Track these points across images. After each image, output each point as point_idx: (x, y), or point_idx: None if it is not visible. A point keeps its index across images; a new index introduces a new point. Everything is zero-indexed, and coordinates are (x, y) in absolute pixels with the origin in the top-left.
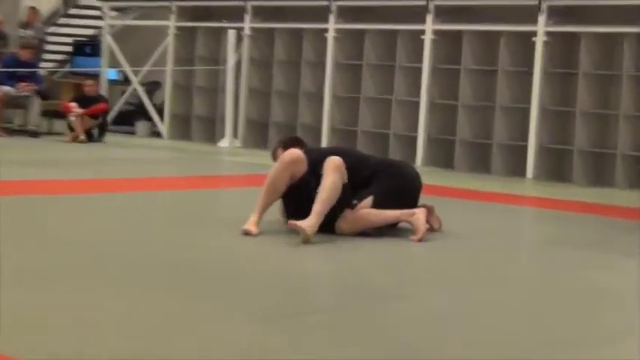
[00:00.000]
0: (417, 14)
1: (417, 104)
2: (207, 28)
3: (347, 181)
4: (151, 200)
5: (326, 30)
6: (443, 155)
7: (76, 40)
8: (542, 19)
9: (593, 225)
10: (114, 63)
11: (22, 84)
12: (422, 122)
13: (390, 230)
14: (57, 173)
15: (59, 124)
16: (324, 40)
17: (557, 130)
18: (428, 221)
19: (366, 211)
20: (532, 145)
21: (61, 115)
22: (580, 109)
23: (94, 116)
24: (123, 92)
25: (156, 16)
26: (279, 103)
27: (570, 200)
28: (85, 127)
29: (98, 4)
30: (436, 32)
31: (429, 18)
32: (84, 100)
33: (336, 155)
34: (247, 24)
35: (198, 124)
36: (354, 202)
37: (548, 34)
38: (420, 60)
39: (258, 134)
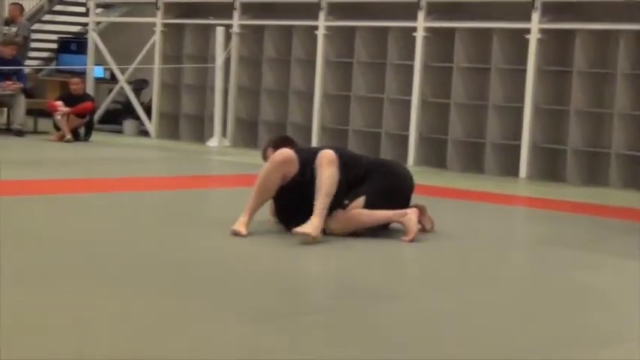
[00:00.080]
0: (408, 11)
1: (408, 103)
2: (195, 25)
3: (341, 176)
4: (140, 200)
5: (316, 27)
6: (435, 154)
7: (61, 38)
8: (535, 16)
9: (586, 225)
10: (100, 61)
11: (7, 82)
12: (414, 121)
13: (382, 231)
14: (44, 173)
15: (44, 123)
16: (314, 38)
17: (551, 129)
18: (420, 222)
19: (358, 211)
20: (525, 145)
21: (47, 113)
22: (574, 108)
23: (80, 115)
24: (110, 90)
25: (142, 13)
26: (269, 102)
27: (564, 200)
28: (72, 126)
29: (83, 0)
30: (428, 29)
31: (421, 15)
32: (70, 99)
33: None
34: (236, 21)
35: (187, 123)
36: (346, 202)
37: (542, 31)
38: (411, 58)
39: (247, 133)
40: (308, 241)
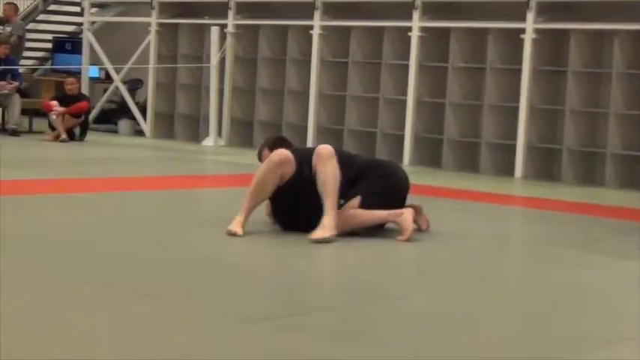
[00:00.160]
0: (403, 11)
1: (404, 102)
2: (190, 25)
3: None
4: (135, 200)
5: (311, 27)
6: (430, 154)
7: (55, 37)
8: (530, 15)
9: (582, 224)
10: (95, 60)
11: (2, 82)
12: (409, 121)
13: (378, 230)
14: (39, 173)
15: (39, 123)
16: (310, 37)
17: (546, 128)
18: (415, 221)
19: (354, 211)
20: (521, 144)
21: (42, 113)
22: (569, 108)
23: (75, 115)
24: (104, 90)
25: (137, 13)
26: (264, 102)
27: (559, 200)
28: (67, 126)
29: (78, 0)
30: (423, 29)
31: (416, 15)
32: (65, 99)
33: None
34: (231, 20)
35: (182, 123)
36: (342, 202)
37: (537, 31)
38: (406, 57)
39: (242, 133)
40: (325, 242)
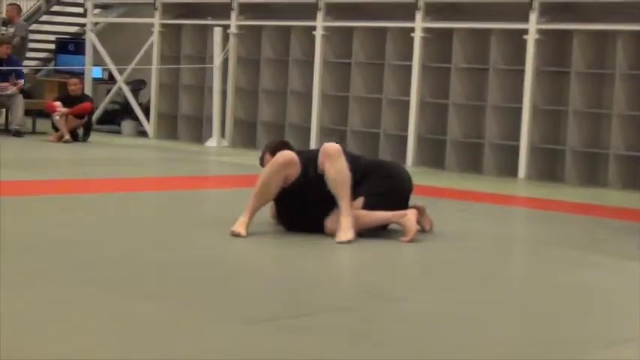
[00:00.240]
0: (406, 11)
1: (407, 103)
2: (193, 26)
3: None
4: (138, 201)
5: (314, 28)
6: (433, 155)
7: (59, 38)
8: (533, 16)
9: (585, 225)
10: (98, 61)
11: (5, 84)
12: (412, 121)
13: (381, 231)
14: (42, 173)
15: (43, 124)
16: (312, 38)
17: (549, 129)
18: (419, 222)
19: (357, 212)
20: (524, 145)
21: (45, 114)
22: (572, 109)
23: (78, 116)
24: (108, 91)
25: (140, 14)
26: (267, 102)
27: (562, 200)
28: (70, 126)
29: (81, 0)
30: (426, 30)
31: (419, 15)
32: (68, 100)
33: None
34: (234, 21)
35: (185, 124)
36: None
37: (540, 31)
38: (409, 58)
39: (245, 134)
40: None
